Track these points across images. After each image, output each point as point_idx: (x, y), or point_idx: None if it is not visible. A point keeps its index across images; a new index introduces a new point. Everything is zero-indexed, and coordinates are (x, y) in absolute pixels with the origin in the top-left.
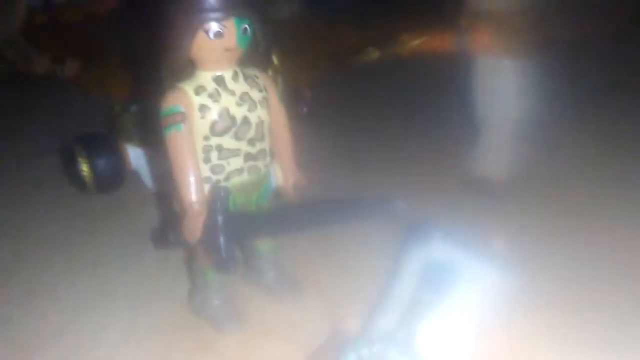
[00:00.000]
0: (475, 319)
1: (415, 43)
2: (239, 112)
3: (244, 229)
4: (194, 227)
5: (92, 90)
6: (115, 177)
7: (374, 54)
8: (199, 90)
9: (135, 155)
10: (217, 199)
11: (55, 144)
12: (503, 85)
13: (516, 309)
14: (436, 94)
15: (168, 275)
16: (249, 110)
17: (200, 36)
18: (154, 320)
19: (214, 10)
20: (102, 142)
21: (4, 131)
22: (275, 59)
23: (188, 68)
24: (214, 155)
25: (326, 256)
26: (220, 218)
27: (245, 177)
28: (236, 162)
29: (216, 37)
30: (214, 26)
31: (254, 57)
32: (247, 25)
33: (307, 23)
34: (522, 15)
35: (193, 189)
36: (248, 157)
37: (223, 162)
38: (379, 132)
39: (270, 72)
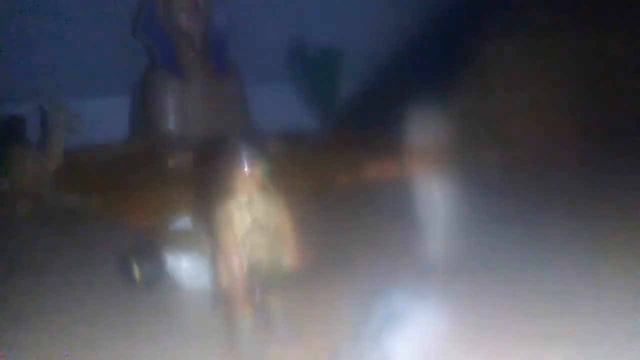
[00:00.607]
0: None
1: (368, 169)
2: (263, 216)
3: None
4: (239, 291)
5: (116, 219)
6: (157, 278)
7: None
8: (238, 206)
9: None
10: (253, 269)
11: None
12: (436, 197)
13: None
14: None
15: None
16: (269, 214)
17: (240, 173)
18: None
19: (249, 158)
20: (149, 252)
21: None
22: None
23: (231, 192)
24: (247, 246)
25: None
26: (255, 280)
27: (266, 260)
28: (261, 250)
29: (249, 173)
30: (248, 167)
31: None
32: (266, 165)
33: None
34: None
35: (237, 264)
36: (269, 247)
37: (253, 251)
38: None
39: None
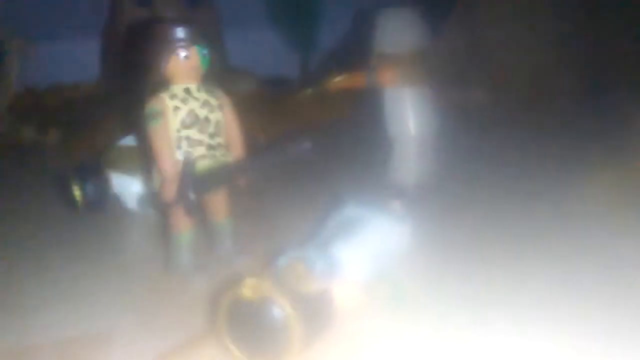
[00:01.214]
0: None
1: (337, 81)
2: (201, 113)
3: (206, 184)
4: (170, 189)
5: (74, 153)
6: (100, 200)
7: (308, 91)
8: (172, 97)
9: (118, 181)
10: (187, 165)
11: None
12: (405, 109)
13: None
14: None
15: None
16: (209, 112)
17: (173, 58)
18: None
19: (183, 41)
20: (92, 172)
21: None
22: None
23: (164, 82)
24: (184, 143)
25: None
26: (189, 177)
27: (207, 162)
28: (200, 150)
29: (185, 59)
30: (183, 52)
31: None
32: (206, 52)
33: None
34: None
35: (168, 161)
36: (209, 147)
37: (191, 150)
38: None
39: None
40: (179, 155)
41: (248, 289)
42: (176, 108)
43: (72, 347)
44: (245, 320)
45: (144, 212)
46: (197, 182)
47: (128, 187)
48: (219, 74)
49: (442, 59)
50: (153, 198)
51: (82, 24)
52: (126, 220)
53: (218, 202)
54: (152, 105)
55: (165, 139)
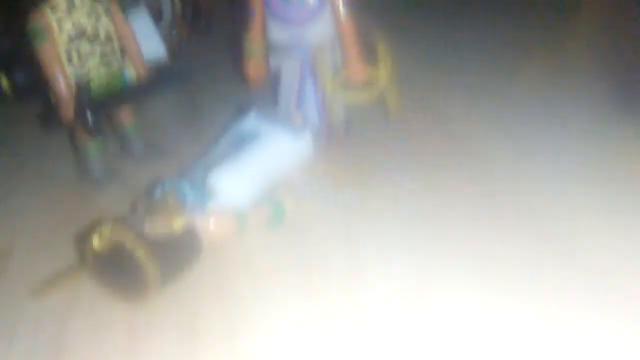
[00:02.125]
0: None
1: None
2: (88, 22)
3: (103, 104)
4: (67, 109)
5: None
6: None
7: None
8: (53, 9)
9: None
10: (82, 86)
11: None
12: None
13: None
14: None
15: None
16: (96, 20)
17: None
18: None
19: None
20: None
21: None
22: None
23: None
24: (74, 56)
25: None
26: (85, 99)
27: (102, 70)
28: (93, 60)
29: None
30: None
31: None
32: None
33: None
34: None
35: (62, 82)
36: (102, 55)
37: (83, 61)
38: None
39: None
40: (72, 68)
41: (103, 237)
42: (60, 20)
43: None
44: (105, 262)
45: (45, 128)
46: (93, 106)
47: None
48: None
49: None
50: (53, 115)
51: None
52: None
53: (120, 112)
54: (35, 21)
55: (54, 57)
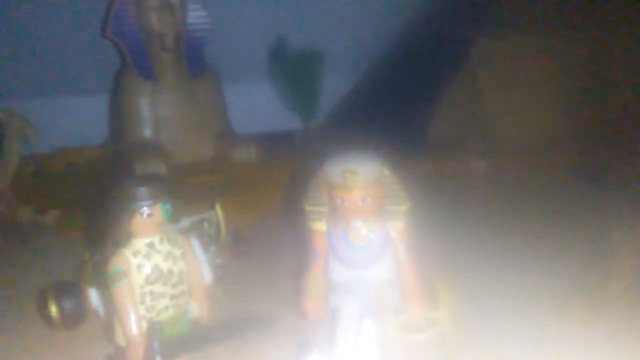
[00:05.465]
0: None
1: None
2: (165, 266)
3: (173, 350)
4: (136, 353)
5: (69, 236)
6: (78, 316)
7: None
8: (135, 253)
9: (95, 297)
10: (153, 330)
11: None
12: None
13: None
14: None
15: None
16: (172, 264)
17: (136, 217)
18: None
19: (146, 199)
20: (69, 288)
21: None
22: (218, 208)
23: (126, 238)
24: (147, 298)
25: None
26: (156, 344)
27: (170, 312)
28: (164, 302)
29: (148, 217)
30: (146, 210)
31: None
32: (169, 207)
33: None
34: None
35: (134, 325)
36: (172, 297)
37: (154, 303)
38: None
39: (206, 224)
40: (142, 310)
41: None
42: (140, 265)
43: None
44: None
45: None
46: (164, 348)
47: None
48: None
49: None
50: (118, 355)
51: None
52: None
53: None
54: (116, 264)
55: (129, 299)
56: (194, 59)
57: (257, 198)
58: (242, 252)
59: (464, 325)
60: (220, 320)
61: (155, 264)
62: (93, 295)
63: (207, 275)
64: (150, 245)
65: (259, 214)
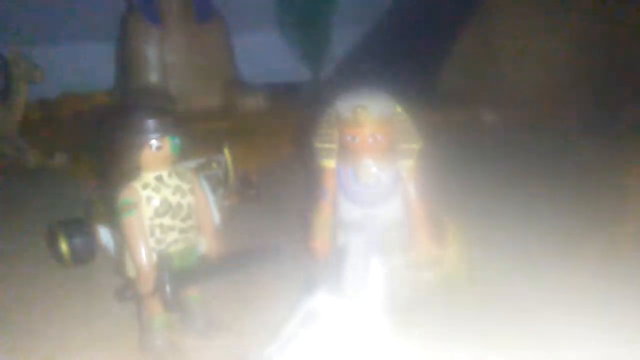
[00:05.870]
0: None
1: None
2: (174, 200)
3: (182, 280)
4: (147, 282)
5: (78, 177)
6: (87, 253)
7: None
8: (144, 186)
9: (105, 234)
10: (163, 262)
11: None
12: None
13: None
14: None
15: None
16: (181, 197)
17: (145, 149)
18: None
19: (155, 132)
20: (78, 225)
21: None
22: (226, 152)
23: (136, 171)
24: (157, 230)
25: (244, 303)
26: (165, 274)
27: (180, 245)
28: (173, 235)
29: (157, 149)
30: (155, 143)
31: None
32: (177, 140)
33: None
34: None
35: (144, 255)
36: (181, 231)
37: (164, 236)
38: None
39: (215, 165)
40: (152, 243)
41: None
42: (149, 197)
43: None
44: None
45: (120, 301)
46: (173, 279)
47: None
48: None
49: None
50: (128, 287)
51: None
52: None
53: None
54: (126, 196)
55: (139, 231)
56: (201, 2)
57: (265, 145)
58: (250, 196)
59: (471, 266)
60: (228, 253)
61: (164, 197)
62: (102, 232)
63: (215, 216)
64: (159, 179)
65: (267, 161)
